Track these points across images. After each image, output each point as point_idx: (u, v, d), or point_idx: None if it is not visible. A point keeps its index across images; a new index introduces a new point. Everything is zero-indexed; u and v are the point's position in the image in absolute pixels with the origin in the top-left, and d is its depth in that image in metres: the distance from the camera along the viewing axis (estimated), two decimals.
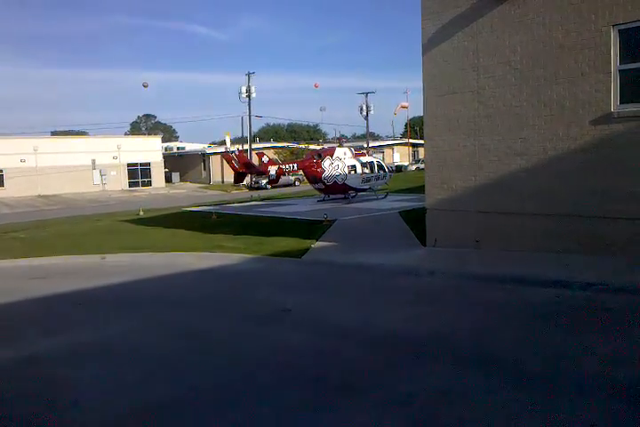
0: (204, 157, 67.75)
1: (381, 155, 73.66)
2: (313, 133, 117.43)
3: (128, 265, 14.01)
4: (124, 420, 5.10)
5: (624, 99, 10.19)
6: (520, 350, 6.32)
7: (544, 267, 10.15)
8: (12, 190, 53.40)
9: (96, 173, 59.21)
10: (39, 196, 54.00)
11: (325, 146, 41.52)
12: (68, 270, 13.81)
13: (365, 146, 65.93)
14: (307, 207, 26.19)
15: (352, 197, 28.97)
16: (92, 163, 58.45)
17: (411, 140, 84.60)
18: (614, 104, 10.26)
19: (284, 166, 29.23)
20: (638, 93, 10.09)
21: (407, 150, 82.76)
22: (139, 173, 63.05)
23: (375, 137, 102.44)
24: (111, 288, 11.30)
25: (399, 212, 21.16)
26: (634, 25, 9.91)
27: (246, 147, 59.87)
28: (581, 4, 10.42)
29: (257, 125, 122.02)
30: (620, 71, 10.21)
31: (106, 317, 8.96)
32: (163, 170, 65.13)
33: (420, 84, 13.28)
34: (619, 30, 10.11)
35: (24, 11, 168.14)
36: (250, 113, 60.46)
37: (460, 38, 12.34)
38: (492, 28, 11.78)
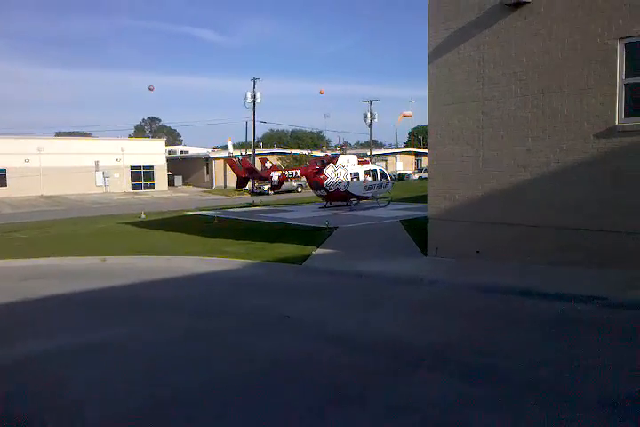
0: (207, 161, 67.85)
1: (384, 163, 73.83)
2: (316, 140, 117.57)
3: (129, 268, 13.99)
4: (117, 421, 5.07)
5: (629, 112, 10.19)
6: (515, 360, 6.28)
7: (544, 279, 10.11)
8: (15, 190, 53.48)
9: (99, 175, 59.32)
10: (42, 196, 54.07)
11: (329, 153, 41.55)
12: (67, 272, 13.78)
13: (369, 154, 66.01)
14: (308, 214, 26.18)
15: (354, 205, 28.98)
16: (96, 164, 58.57)
17: (414, 149, 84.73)
18: (619, 117, 10.25)
19: (286, 172, 29.28)
20: None
21: (410, 159, 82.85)
22: (142, 176, 63.18)
23: (379, 145, 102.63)
24: (111, 290, 11.27)
25: (401, 220, 21.14)
26: None
27: (250, 152, 59.94)
28: (588, 17, 10.45)
29: (261, 131, 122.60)
30: (626, 85, 10.21)
31: (105, 319, 8.93)
32: (166, 173, 65.23)
33: (426, 94, 13.30)
34: (625, 44, 10.13)
35: (32, 10, 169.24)
36: (254, 118, 60.54)
37: (465, 48, 12.37)
38: (498, 38, 11.80)
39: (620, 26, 10.10)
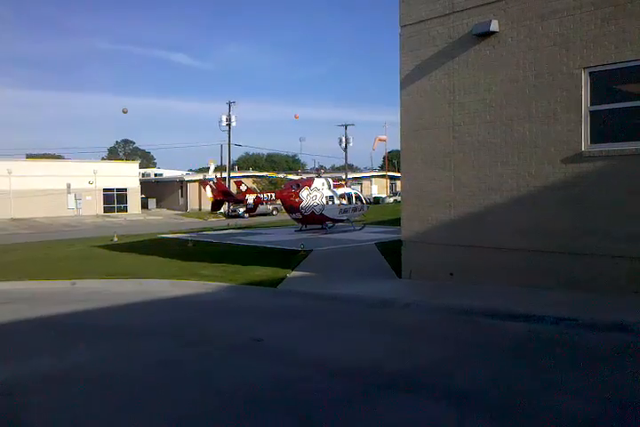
0: (181, 183, 67.65)
1: (359, 186, 74.37)
2: (292, 163, 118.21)
3: (99, 292, 13.79)
4: None
5: (594, 139, 10.50)
6: (487, 383, 6.34)
7: (516, 301, 10.24)
8: None
9: (71, 198, 58.65)
10: (12, 219, 53.15)
11: (304, 176, 41.81)
12: (36, 296, 13.53)
13: (344, 177, 66.48)
14: (283, 237, 26.17)
15: (329, 228, 29.08)
16: (68, 187, 57.93)
17: (389, 173, 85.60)
18: (585, 144, 10.56)
19: (261, 195, 29.33)
20: (608, 134, 10.42)
21: (385, 182, 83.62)
22: (114, 199, 62.65)
23: (354, 169, 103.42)
24: (80, 315, 11.08)
25: (375, 243, 21.26)
26: (604, 68, 10.29)
27: (225, 175, 59.93)
28: (553, 47, 10.82)
29: (236, 154, 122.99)
30: (591, 112, 10.54)
31: (73, 344, 8.75)
32: (139, 196, 64.78)
33: (398, 118, 13.54)
34: (589, 73, 10.49)
35: (4, 31, 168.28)
36: (229, 141, 60.77)
37: (436, 75, 12.67)
38: (467, 66, 12.13)
39: (584, 56, 10.46)
